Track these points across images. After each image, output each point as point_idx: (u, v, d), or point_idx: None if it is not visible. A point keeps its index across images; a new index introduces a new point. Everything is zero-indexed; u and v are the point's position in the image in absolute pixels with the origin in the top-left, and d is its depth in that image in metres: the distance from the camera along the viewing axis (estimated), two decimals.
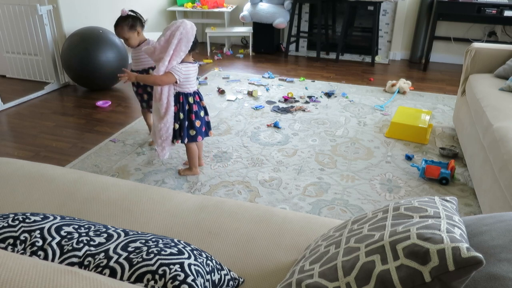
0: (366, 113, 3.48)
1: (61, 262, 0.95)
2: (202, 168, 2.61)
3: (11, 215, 1.05)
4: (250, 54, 5.37)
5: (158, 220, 1.32)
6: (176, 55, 2.15)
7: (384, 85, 4.14)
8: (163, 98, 2.26)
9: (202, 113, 2.38)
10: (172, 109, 2.29)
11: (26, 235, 0.99)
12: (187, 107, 2.31)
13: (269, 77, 4.41)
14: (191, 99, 2.31)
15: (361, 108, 3.60)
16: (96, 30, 3.83)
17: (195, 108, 2.33)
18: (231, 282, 1.04)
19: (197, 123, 2.36)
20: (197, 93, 2.35)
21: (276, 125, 3.20)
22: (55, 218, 1.07)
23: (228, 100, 3.74)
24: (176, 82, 2.23)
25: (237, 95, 3.88)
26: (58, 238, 0.99)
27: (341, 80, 4.38)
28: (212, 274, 0.98)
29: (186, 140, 2.37)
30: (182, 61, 2.22)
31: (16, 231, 0.99)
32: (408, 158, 2.72)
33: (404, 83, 4.00)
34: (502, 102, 2.29)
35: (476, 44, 2.87)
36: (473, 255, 0.66)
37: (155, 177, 2.51)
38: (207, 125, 2.45)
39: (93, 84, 3.91)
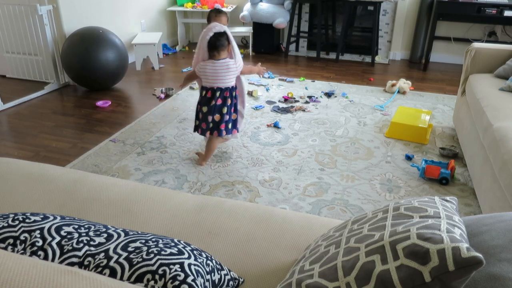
0: (366, 113, 3.48)
1: (61, 262, 0.95)
2: (202, 168, 2.61)
3: (11, 215, 1.05)
4: (250, 54, 5.38)
5: (158, 220, 1.32)
6: (199, 54, 2.54)
7: (384, 85, 4.14)
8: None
9: (204, 109, 2.53)
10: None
11: (26, 235, 0.99)
12: (199, 99, 2.59)
13: (269, 77, 4.41)
14: (203, 93, 2.55)
15: (361, 108, 3.60)
16: (96, 30, 3.83)
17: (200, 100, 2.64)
18: (231, 282, 1.04)
19: (200, 116, 2.57)
20: (210, 90, 2.51)
21: (276, 125, 3.21)
22: (55, 218, 1.07)
23: None
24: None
25: None
26: (58, 238, 0.99)
27: (341, 80, 4.38)
28: (212, 274, 0.98)
29: (193, 129, 2.64)
30: (205, 59, 2.53)
31: (16, 231, 0.99)
32: (408, 158, 2.72)
33: (404, 83, 4.00)
34: (502, 102, 2.29)
35: (476, 44, 2.87)
36: (473, 255, 0.66)
37: (155, 177, 2.51)
38: (207, 125, 2.53)
39: (93, 84, 3.91)
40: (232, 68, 2.50)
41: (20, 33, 4.03)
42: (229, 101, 2.53)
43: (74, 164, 2.67)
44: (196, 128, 2.62)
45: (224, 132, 2.56)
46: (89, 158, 2.74)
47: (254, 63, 5.00)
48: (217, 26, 2.50)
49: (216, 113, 2.52)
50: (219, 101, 2.51)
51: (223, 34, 2.48)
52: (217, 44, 2.45)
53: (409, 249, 0.72)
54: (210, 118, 2.52)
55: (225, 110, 2.52)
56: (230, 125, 2.57)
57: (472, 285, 0.77)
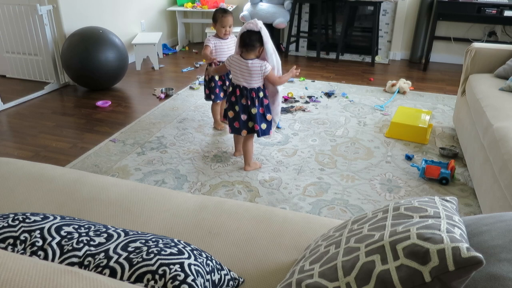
0: (366, 113, 3.48)
1: (61, 262, 0.95)
2: (202, 168, 2.61)
3: (11, 215, 1.05)
4: None
5: (158, 220, 1.32)
6: (235, 45, 2.49)
7: (384, 85, 4.14)
8: None
9: (237, 108, 2.48)
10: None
11: (26, 235, 0.99)
12: (228, 94, 2.57)
13: None
14: (230, 88, 2.52)
15: (361, 108, 3.60)
16: (96, 30, 3.83)
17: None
18: (231, 282, 1.04)
19: (232, 114, 2.53)
20: (237, 88, 2.46)
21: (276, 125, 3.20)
22: (55, 218, 1.07)
23: None
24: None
25: None
26: (58, 238, 0.99)
27: (341, 80, 4.38)
28: (212, 274, 0.98)
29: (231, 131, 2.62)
30: (237, 53, 2.50)
31: (16, 231, 0.99)
32: (408, 158, 2.72)
33: (404, 83, 4.00)
34: (502, 102, 2.29)
35: (476, 44, 2.86)
36: (473, 255, 0.66)
37: (155, 177, 2.51)
38: (240, 124, 2.50)
39: (93, 84, 3.91)
40: (257, 72, 2.37)
41: (20, 33, 4.03)
42: (256, 102, 2.42)
43: (74, 164, 2.67)
44: (231, 131, 2.56)
45: (259, 133, 2.47)
46: (89, 158, 2.74)
47: None
48: (252, 24, 2.32)
49: (244, 113, 2.45)
50: (249, 102, 2.43)
51: (256, 34, 2.31)
52: (246, 42, 2.33)
53: (409, 249, 0.72)
54: (244, 117, 2.44)
55: (254, 110, 2.43)
56: (264, 126, 2.47)
57: (472, 285, 0.77)
